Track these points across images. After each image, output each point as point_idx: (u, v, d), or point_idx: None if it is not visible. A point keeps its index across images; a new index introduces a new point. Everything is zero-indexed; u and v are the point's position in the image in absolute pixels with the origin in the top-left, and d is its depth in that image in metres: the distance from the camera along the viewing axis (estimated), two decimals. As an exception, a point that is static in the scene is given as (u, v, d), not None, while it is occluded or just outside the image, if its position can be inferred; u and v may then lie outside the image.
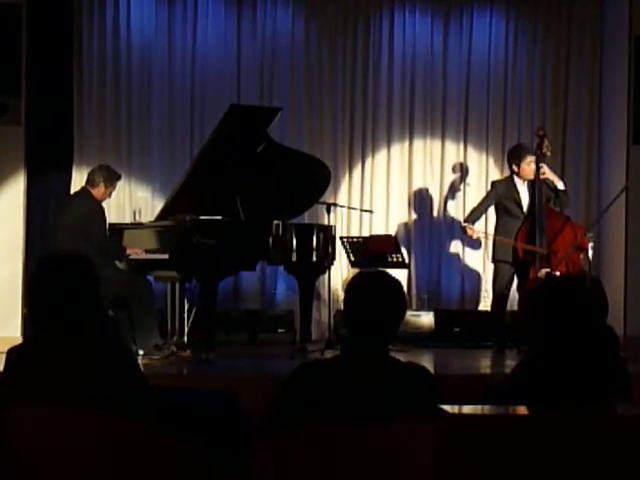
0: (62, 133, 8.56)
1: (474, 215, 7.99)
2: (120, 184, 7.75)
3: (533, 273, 7.49)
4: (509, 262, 7.71)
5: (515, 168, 7.82)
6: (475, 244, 9.18)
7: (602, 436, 2.66)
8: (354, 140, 9.25)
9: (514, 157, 7.84)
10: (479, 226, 9.22)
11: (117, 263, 7.38)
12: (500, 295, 7.84)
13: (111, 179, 7.38)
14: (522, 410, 2.93)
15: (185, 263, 7.04)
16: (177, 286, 7.65)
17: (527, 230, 7.62)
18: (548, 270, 7.41)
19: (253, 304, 8.94)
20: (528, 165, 7.74)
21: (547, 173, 7.76)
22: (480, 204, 8.07)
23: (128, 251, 7.33)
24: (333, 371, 3.08)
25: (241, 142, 7.40)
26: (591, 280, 6.99)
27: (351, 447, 2.78)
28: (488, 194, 8.05)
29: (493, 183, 8.12)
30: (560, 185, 7.87)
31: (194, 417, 3.76)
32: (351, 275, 8.58)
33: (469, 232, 7.81)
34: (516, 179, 7.84)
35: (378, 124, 9.25)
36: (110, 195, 7.48)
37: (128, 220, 8.24)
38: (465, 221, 7.98)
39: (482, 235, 8.18)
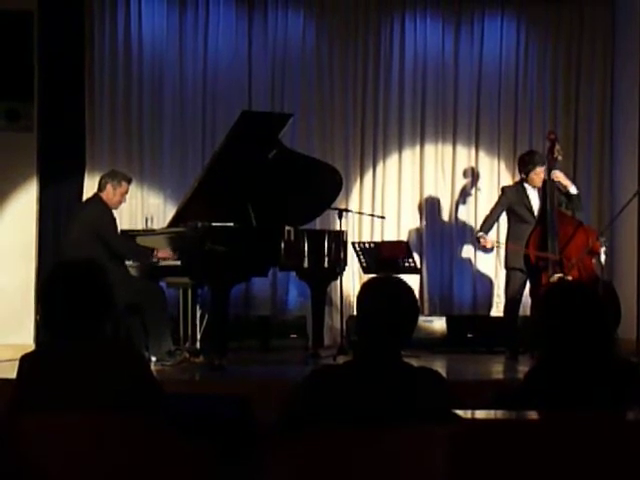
0: (74, 139, 8.56)
1: (487, 224, 8.02)
2: (132, 190, 7.75)
3: (545, 278, 7.47)
4: (522, 270, 7.70)
5: (524, 175, 7.83)
6: (487, 250, 9.18)
7: (614, 442, 2.65)
8: (365, 145, 9.25)
9: (525, 165, 7.84)
10: (491, 233, 9.25)
11: (129, 269, 7.38)
12: (512, 300, 7.82)
13: (117, 180, 7.29)
14: (535, 415, 2.92)
15: (197, 269, 7.05)
16: (189, 292, 7.66)
17: (539, 235, 7.59)
18: (561, 275, 7.39)
19: (265, 310, 8.93)
20: (537, 175, 7.75)
21: (560, 178, 7.75)
22: (492, 212, 8.07)
23: (159, 255, 7.27)
24: (346, 376, 3.08)
25: (253, 148, 7.41)
26: (604, 285, 6.97)
27: (364, 452, 2.77)
28: (499, 201, 8.05)
29: (503, 189, 8.12)
30: (573, 190, 7.85)
31: (207, 423, 3.76)
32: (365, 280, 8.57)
33: (482, 242, 7.89)
34: (526, 184, 7.84)
35: (389, 129, 9.24)
36: (122, 197, 7.35)
37: (140, 227, 8.26)
38: (479, 231, 8.00)
39: (496, 244, 8.29)
